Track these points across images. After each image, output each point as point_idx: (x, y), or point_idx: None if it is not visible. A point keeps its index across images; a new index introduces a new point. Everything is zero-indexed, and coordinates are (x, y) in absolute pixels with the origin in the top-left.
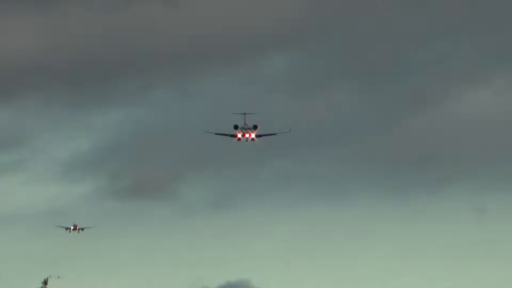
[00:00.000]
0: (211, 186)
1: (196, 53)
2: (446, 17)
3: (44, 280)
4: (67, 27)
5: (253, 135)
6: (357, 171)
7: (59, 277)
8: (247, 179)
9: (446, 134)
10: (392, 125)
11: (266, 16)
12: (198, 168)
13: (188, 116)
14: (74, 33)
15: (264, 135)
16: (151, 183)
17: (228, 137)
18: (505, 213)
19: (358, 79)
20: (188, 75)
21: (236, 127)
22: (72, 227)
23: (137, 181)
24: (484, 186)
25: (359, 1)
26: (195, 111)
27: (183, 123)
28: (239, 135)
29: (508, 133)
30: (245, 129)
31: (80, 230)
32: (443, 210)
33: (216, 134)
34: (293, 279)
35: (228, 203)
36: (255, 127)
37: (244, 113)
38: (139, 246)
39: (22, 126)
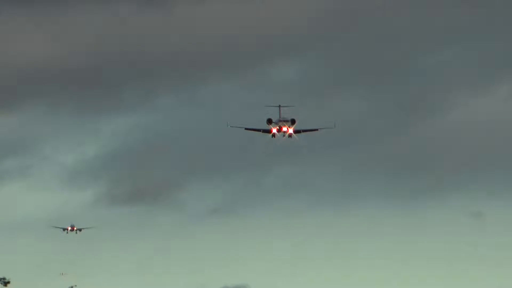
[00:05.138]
0: (213, 192)
1: (200, 59)
2: (448, 22)
3: None
4: (70, 35)
5: (290, 130)
6: (359, 177)
7: (62, 274)
8: (248, 185)
9: (447, 140)
10: (394, 131)
11: (267, 20)
12: (201, 174)
13: (193, 122)
14: (77, 41)
15: (304, 130)
16: (154, 189)
17: (260, 133)
18: (504, 218)
19: (359, 85)
20: (193, 81)
21: (269, 121)
22: (69, 228)
23: (140, 188)
24: (483, 191)
25: (360, 7)
26: (200, 117)
27: (187, 129)
28: (274, 130)
29: (508, 139)
30: (282, 122)
31: (78, 231)
32: (444, 215)
33: (246, 129)
34: (292, 285)
35: (228, 209)
36: (293, 122)
37: (279, 106)
38: (140, 252)
39: (27, 132)
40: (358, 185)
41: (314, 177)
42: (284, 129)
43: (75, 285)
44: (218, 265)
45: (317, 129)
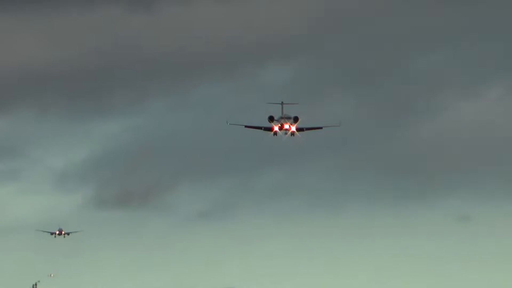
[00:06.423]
0: (203, 195)
1: (191, 61)
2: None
3: (33, 286)
4: (61, 38)
5: (293, 128)
6: (350, 179)
7: (51, 275)
8: (239, 189)
9: (438, 142)
10: (386, 135)
11: (261, 21)
12: (191, 177)
13: (183, 126)
14: (68, 44)
15: (307, 128)
16: (144, 192)
17: (261, 130)
18: (493, 220)
19: (353, 89)
20: (184, 83)
21: (271, 118)
22: (57, 232)
23: (131, 191)
24: (474, 193)
25: (353, 15)
26: (190, 120)
27: (178, 132)
28: (276, 128)
29: (498, 142)
30: (284, 119)
31: (66, 235)
32: (435, 217)
33: (246, 127)
34: None
35: (218, 212)
36: (295, 119)
37: (282, 103)
38: (129, 255)
39: (18, 135)
40: (348, 187)
41: (305, 179)
42: (286, 126)
43: (38, 281)
44: (207, 268)
45: (321, 127)
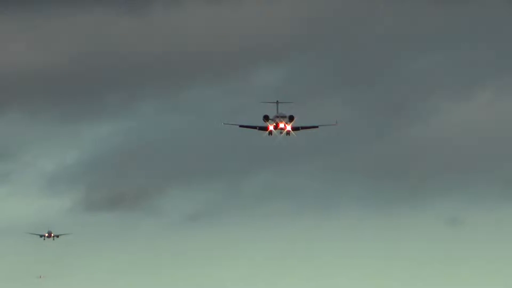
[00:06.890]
0: (193, 198)
1: (184, 64)
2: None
3: None
4: (51, 40)
5: (288, 127)
6: (339, 184)
7: (40, 276)
8: (231, 191)
9: (430, 144)
10: (375, 137)
11: (252, 26)
12: (181, 180)
13: (176, 128)
14: (58, 46)
15: (302, 127)
16: (135, 195)
17: (256, 130)
18: (485, 223)
19: (340, 92)
20: (175, 87)
21: (266, 117)
22: (46, 234)
23: (122, 194)
24: (466, 195)
25: (341, 19)
26: (183, 122)
27: (170, 135)
28: (271, 127)
29: (490, 144)
30: (279, 118)
31: (56, 238)
32: (424, 222)
33: (240, 126)
34: None
35: (209, 215)
36: (291, 118)
37: (277, 102)
38: (119, 258)
39: (8, 138)
40: (342, 188)
41: (299, 180)
42: (281, 125)
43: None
44: (198, 271)
45: (317, 126)
